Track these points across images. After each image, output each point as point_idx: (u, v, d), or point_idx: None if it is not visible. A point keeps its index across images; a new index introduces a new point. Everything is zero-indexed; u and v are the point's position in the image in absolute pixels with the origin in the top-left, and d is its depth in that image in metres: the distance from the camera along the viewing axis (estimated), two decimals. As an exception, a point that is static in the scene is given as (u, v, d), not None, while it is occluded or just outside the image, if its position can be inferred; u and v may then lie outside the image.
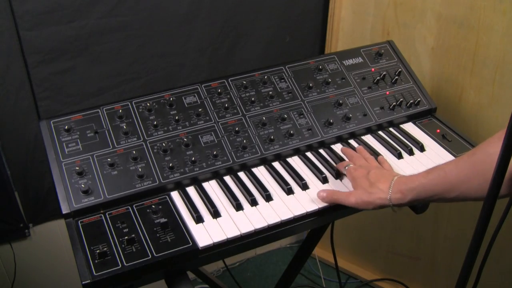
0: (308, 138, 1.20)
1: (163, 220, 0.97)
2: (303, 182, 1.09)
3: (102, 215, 0.99)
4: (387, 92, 1.33)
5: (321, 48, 2.01)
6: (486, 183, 0.63)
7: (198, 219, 0.99)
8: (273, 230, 1.01)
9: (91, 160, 1.05)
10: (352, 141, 1.25)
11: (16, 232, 1.70)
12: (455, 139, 1.26)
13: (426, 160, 1.19)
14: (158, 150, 1.09)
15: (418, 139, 1.25)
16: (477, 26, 1.53)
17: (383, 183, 1.00)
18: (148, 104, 1.15)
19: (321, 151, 1.21)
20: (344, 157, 1.18)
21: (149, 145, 1.09)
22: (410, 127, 1.31)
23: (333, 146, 1.23)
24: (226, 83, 1.23)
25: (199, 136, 1.14)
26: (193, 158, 1.09)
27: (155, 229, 0.96)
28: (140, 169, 1.05)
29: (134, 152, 1.07)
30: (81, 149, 1.06)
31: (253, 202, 1.05)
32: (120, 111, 1.12)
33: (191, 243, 0.94)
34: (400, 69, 1.36)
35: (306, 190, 1.09)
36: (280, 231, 1.02)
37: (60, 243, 1.82)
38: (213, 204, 1.03)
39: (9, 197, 1.61)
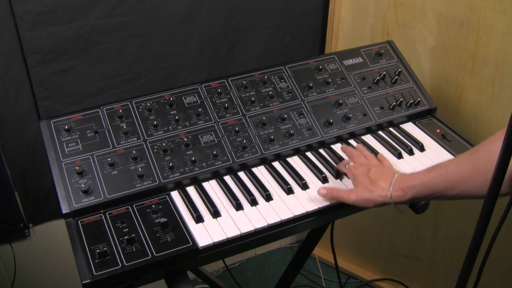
0: (308, 138, 1.20)
1: (163, 220, 0.97)
2: (303, 182, 1.09)
3: (102, 215, 0.99)
4: (387, 92, 1.33)
5: (321, 48, 2.01)
6: (487, 182, 0.63)
7: (198, 219, 0.99)
8: (273, 230, 1.01)
9: (91, 160, 1.05)
10: (352, 141, 1.25)
11: (16, 232, 1.70)
12: (455, 139, 1.26)
13: (426, 160, 1.20)
14: (158, 150, 1.09)
15: (418, 139, 1.25)
16: (477, 26, 1.53)
17: (383, 181, 1.00)
18: (148, 104, 1.15)
19: (321, 151, 1.21)
20: (344, 155, 1.18)
21: (149, 145, 1.10)
22: (410, 127, 1.31)
23: (333, 146, 1.23)
24: (226, 83, 1.23)
25: (199, 136, 1.14)
26: (193, 158, 1.09)
27: (155, 229, 0.96)
28: (140, 169, 1.05)
29: (134, 152, 1.07)
30: (81, 149, 1.06)
31: (253, 202, 1.05)
32: (120, 111, 1.12)
33: (191, 243, 0.94)
34: (400, 69, 1.36)
35: (306, 190, 1.09)
36: (280, 231, 1.02)
37: (60, 243, 1.82)
38: (213, 204, 1.03)
39: (9, 197, 1.60)
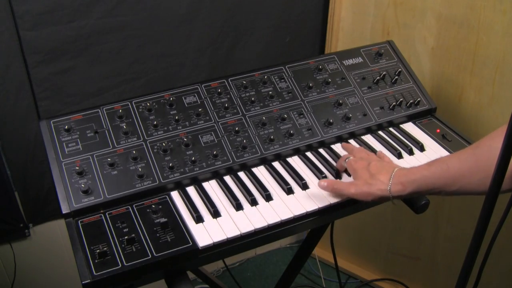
0: (308, 138, 1.20)
1: (163, 220, 0.97)
2: (303, 182, 1.09)
3: (102, 215, 0.99)
4: (387, 92, 1.33)
5: (321, 48, 2.01)
6: (487, 179, 0.63)
7: (198, 219, 0.99)
8: (273, 230, 1.01)
9: (91, 160, 1.05)
10: (352, 141, 1.25)
11: (16, 232, 1.70)
12: (455, 139, 1.26)
13: (426, 160, 1.19)
14: (158, 150, 1.09)
15: (418, 139, 1.25)
16: (477, 26, 1.53)
17: (383, 175, 1.00)
18: (148, 104, 1.15)
19: (321, 151, 1.21)
20: (345, 153, 1.18)
21: (149, 145, 1.09)
22: (410, 127, 1.31)
23: (333, 146, 1.23)
24: (226, 83, 1.23)
25: (199, 136, 1.14)
26: (193, 158, 1.09)
27: (155, 229, 0.96)
28: (140, 169, 1.05)
29: (134, 152, 1.07)
30: (81, 149, 1.06)
31: (253, 202, 1.05)
32: (120, 111, 1.12)
33: (191, 243, 0.94)
34: (400, 69, 1.36)
35: (306, 190, 1.09)
36: (280, 231, 1.02)
37: (60, 243, 1.82)
38: (213, 204, 1.03)
39: (9, 197, 1.61)
